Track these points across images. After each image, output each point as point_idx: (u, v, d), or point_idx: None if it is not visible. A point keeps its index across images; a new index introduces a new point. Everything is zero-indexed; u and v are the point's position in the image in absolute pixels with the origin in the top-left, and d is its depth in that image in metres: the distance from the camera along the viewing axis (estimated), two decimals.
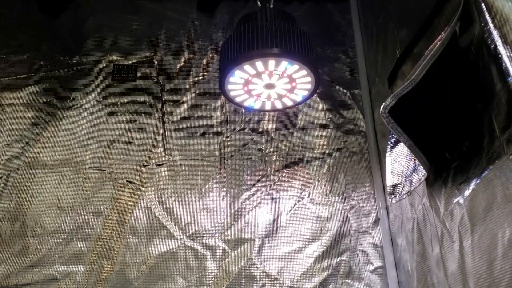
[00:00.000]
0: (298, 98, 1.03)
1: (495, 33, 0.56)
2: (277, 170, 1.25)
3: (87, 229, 1.15)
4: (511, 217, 0.63)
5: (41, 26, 1.42)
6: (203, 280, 1.11)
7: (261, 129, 1.31)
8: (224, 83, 0.96)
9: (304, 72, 0.94)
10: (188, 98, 1.34)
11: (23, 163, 1.22)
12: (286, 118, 1.32)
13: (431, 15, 0.90)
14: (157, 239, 1.15)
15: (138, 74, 1.36)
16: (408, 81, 0.76)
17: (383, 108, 0.76)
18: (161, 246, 1.14)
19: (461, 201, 0.78)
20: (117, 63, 1.37)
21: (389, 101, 0.76)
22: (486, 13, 0.59)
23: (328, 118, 1.33)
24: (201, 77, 1.37)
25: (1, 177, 1.20)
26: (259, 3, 1.05)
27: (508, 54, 0.54)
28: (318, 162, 1.27)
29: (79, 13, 1.45)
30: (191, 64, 1.39)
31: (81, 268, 1.11)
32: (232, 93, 1.00)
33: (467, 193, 0.76)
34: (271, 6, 1.04)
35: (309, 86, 0.99)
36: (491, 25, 0.57)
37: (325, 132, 1.31)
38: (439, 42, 0.76)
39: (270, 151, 1.28)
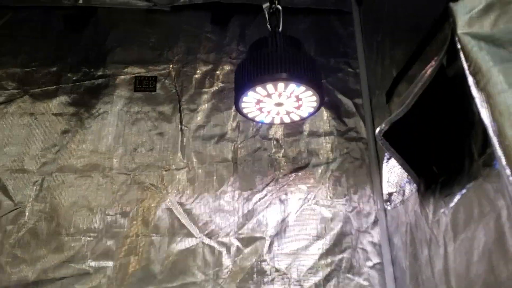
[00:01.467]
0: (304, 114, 1.14)
1: (470, 79, 0.68)
2: (285, 174, 1.37)
3: (115, 228, 1.28)
4: (484, 231, 0.75)
5: (66, 40, 1.54)
6: (220, 274, 1.24)
7: (270, 136, 1.43)
8: (239, 102, 1.08)
9: (310, 93, 1.05)
10: (204, 107, 1.46)
11: (55, 168, 1.35)
12: (294, 126, 1.43)
13: (424, 42, 1.01)
14: (178, 237, 1.28)
15: (158, 85, 1.48)
16: (401, 108, 0.87)
17: (378, 132, 0.88)
18: (181, 244, 1.27)
19: (446, 211, 0.90)
20: (139, 74, 1.49)
21: (383, 126, 0.87)
22: (463, 59, 0.70)
23: (332, 126, 1.44)
24: (216, 88, 1.49)
25: (37, 181, 1.33)
26: (269, 26, 1.15)
27: (480, 97, 0.65)
28: (322, 167, 1.39)
29: (101, 28, 1.56)
30: (206, 75, 1.51)
31: (111, 264, 1.24)
32: (245, 110, 1.12)
33: (451, 205, 0.88)
34: (280, 29, 1.15)
35: (314, 104, 1.10)
36: (467, 70, 0.69)
37: (329, 139, 1.43)
38: (429, 70, 0.87)
39: (279, 157, 1.40)
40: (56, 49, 1.52)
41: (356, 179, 1.37)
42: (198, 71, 1.52)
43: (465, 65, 0.70)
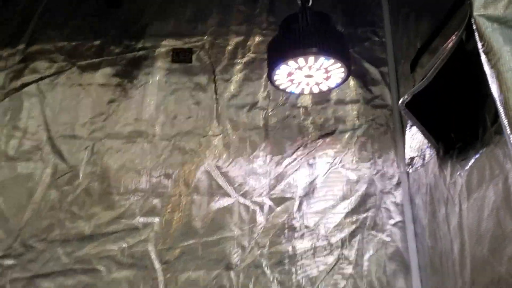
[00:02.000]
0: (332, 85, 1.23)
1: (483, 57, 0.76)
2: (313, 140, 1.48)
3: (159, 188, 1.42)
4: (493, 190, 0.85)
5: (107, 14, 1.64)
6: (254, 230, 1.38)
7: (299, 105, 1.52)
8: (271, 74, 1.18)
9: (338, 65, 1.14)
10: (237, 77, 1.56)
11: (104, 134, 1.49)
12: (321, 94, 1.51)
13: (446, 17, 1.07)
14: (216, 196, 1.41)
15: (193, 57, 1.58)
16: (423, 80, 0.96)
17: (401, 103, 0.97)
18: (219, 203, 1.40)
19: (462, 174, 0.99)
20: (175, 47, 1.60)
21: (406, 97, 0.96)
22: (478, 39, 0.77)
23: (358, 94, 1.53)
24: (247, 58, 1.58)
25: (88, 147, 1.47)
26: (299, 2, 1.23)
27: (491, 74, 0.74)
28: (349, 133, 1.48)
29: (139, 2, 1.66)
30: (238, 47, 1.60)
31: (157, 220, 1.39)
32: (277, 82, 1.22)
33: (466, 168, 0.97)
34: (310, 4, 1.22)
35: (342, 75, 1.19)
36: (480, 49, 0.76)
37: (355, 106, 1.51)
38: (450, 44, 0.95)
39: (307, 124, 1.50)
40: (99, 23, 1.63)
41: (380, 144, 1.46)
42: (230, 43, 1.61)
43: (479, 44, 0.77)
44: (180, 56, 1.59)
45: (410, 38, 1.35)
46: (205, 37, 1.61)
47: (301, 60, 1.12)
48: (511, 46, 0.71)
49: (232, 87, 1.55)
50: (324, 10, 1.30)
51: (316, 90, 1.26)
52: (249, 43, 1.60)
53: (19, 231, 1.37)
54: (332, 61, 1.12)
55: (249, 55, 1.59)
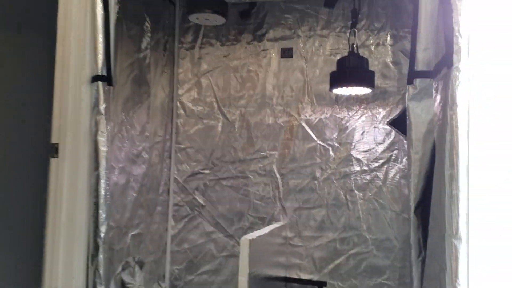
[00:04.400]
0: (366, 92, 2.24)
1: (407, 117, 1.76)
2: (365, 107, 2.50)
3: (277, 136, 2.63)
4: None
5: (241, 25, 2.70)
6: (328, 160, 2.55)
7: None
8: (331, 90, 2.22)
9: (368, 89, 2.14)
10: (319, 67, 2.58)
11: (247, 104, 2.69)
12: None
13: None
14: (307, 140, 2.59)
15: (294, 53, 2.62)
16: (396, 114, 1.96)
17: (387, 122, 1.99)
18: (308, 144, 2.58)
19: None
20: (283, 47, 2.63)
21: (389, 119, 1.98)
22: (407, 109, 1.76)
23: (395, 77, 2.46)
24: (326, 54, 2.57)
25: (238, 111, 2.70)
26: (348, 45, 2.17)
27: (408, 125, 1.75)
28: (387, 102, 2.47)
29: (260, 16, 2.67)
30: (321, 45, 2.58)
31: (276, 152, 2.63)
32: (334, 92, 2.25)
33: None
34: (355, 44, 2.16)
35: (370, 90, 2.18)
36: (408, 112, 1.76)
37: (393, 85, 2.46)
38: None
39: (363, 97, 2.51)
40: (238, 32, 2.71)
41: None
42: (316, 43, 2.59)
43: (408, 112, 1.75)
44: (286, 53, 2.63)
45: None
46: (300, 40, 2.61)
47: (345, 87, 2.14)
48: (415, 113, 1.69)
49: (317, 73, 2.59)
50: (379, 16, 2.31)
51: (357, 93, 2.27)
52: (327, 43, 2.57)
53: (210, 156, 2.74)
54: (363, 88, 2.13)
55: (328, 51, 2.57)
